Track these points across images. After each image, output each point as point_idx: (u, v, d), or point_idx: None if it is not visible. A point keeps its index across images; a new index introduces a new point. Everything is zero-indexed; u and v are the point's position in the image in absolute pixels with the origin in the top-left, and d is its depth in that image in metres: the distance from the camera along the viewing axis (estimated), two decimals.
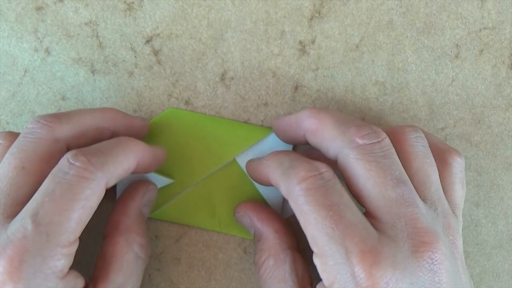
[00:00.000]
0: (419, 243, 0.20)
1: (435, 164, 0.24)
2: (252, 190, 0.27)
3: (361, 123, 0.23)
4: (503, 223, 0.29)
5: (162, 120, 0.28)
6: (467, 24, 0.29)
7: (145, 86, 0.28)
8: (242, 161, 0.27)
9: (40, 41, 0.28)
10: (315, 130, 0.24)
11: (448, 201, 0.23)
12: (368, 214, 0.22)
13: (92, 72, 0.28)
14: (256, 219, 0.26)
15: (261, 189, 0.27)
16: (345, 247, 0.20)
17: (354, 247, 0.20)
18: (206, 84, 0.28)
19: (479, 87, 0.29)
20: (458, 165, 0.24)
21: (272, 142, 0.27)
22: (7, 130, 0.28)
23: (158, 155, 0.25)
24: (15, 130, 0.28)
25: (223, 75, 0.28)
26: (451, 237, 0.22)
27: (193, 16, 0.28)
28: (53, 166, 0.22)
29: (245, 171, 0.27)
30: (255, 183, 0.27)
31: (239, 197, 0.27)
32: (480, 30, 0.29)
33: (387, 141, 0.23)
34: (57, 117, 0.23)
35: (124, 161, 0.23)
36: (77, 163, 0.21)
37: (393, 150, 0.23)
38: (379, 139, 0.22)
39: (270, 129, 0.28)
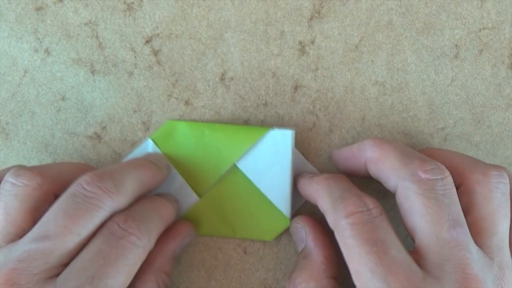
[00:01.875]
0: None
1: (508, 214, 0.23)
2: (258, 194, 0.27)
3: (425, 157, 0.23)
4: None
5: (162, 133, 0.28)
6: (466, 24, 0.29)
7: (145, 86, 0.28)
8: (243, 165, 0.27)
9: (40, 42, 0.28)
10: (377, 159, 0.24)
11: None
12: (417, 251, 0.22)
13: (92, 72, 0.28)
14: (312, 237, 0.25)
15: (268, 192, 0.27)
16: (388, 284, 0.20)
17: (397, 285, 0.20)
18: (206, 84, 0.28)
19: (479, 87, 0.29)
20: None
21: (270, 142, 0.27)
22: (6, 130, 0.28)
23: (175, 215, 0.26)
24: (15, 130, 0.28)
25: (223, 75, 0.28)
26: None
27: (193, 16, 0.28)
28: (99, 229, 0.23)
29: (247, 175, 0.27)
30: (261, 186, 0.27)
31: (247, 201, 0.27)
32: (480, 30, 0.29)
33: (450, 179, 0.22)
34: (115, 185, 0.23)
35: (162, 228, 0.24)
36: (129, 230, 0.22)
37: (454, 190, 0.22)
38: (442, 176, 0.22)
39: (265, 127, 0.28)
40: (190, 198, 0.27)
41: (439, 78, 0.29)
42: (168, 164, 0.27)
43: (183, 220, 0.27)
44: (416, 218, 0.22)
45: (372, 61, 0.28)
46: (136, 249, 0.22)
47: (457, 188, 0.23)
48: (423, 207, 0.22)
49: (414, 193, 0.22)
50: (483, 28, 0.29)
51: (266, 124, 0.28)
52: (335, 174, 0.25)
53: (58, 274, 0.21)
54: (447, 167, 0.23)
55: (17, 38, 0.28)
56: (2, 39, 0.28)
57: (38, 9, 0.28)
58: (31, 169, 0.24)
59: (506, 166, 0.29)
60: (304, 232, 0.26)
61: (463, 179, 0.24)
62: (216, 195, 0.27)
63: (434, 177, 0.22)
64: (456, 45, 0.29)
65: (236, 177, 0.27)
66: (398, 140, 0.28)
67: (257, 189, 0.27)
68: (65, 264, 0.22)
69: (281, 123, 0.28)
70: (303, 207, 0.28)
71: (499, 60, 0.29)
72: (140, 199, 0.25)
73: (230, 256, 0.28)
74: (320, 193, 0.24)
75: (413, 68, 0.28)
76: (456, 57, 0.29)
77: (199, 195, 0.27)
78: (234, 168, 0.27)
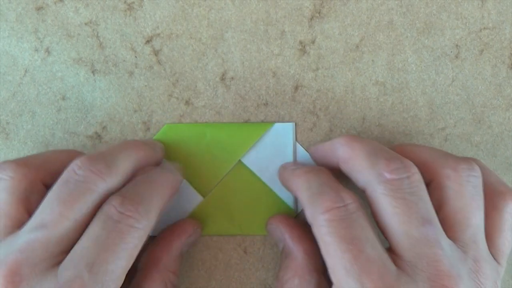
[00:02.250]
0: (439, 286, 0.20)
1: (481, 207, 0.23)
2: (264, 188, 0.28)
3: (392, 156, 0.23)
4: None
5: (161, 137, 0.28)
6: (467, 24, 0.29)
7: (145, 86, 0.28)
8: (248, 161, 0.28)
9: (41, 41, 0.28)
10: (348, 159, 0.24)
11: (491, 246, 0.23)
12: (391, 249, 0.22)
13: (92, 72, 0.28)
14: (288, 235, 0.25)
15: (272, 185, 0.27)
16: (361, 283, 0.20)
17: (371, 284, 0.20)
18: (206, 84, 0.28)
19: (479, 87, 0.29)
20: (510, 210, 0.24)
21: (272, 135, 0.28)
22: (7, 130, 0.28)
23: (178, 185, 0.26)
24: (15, 130, 0.28)
25: (223, 75, 0.28)
26: (477, 282, 0.22)
27: (193, 16, 0.28)
28: (96, 212, 0.22)
29: (253, 170, 0.27)
30: (265, 179, 0.27)
31: (253, 197, 0.28)
32: (480, 30, 0.29)
33: (417, 176, 0.22)
34: (107, 166, 0.23)
35: (162, 204, 0.24)
36: (127, 213, 0.22)
37: (423, 186, 0.22)
38: (408, 174, 0.22)
39: (267, 124, 0.28)
40: (194, 198, 0.27)
41: (439, 78, 0.29)
42: (161, 146, 0.27)
43: (188, 218, 0.27)
44: (386, 218, 0.22)
45: (372, 61, 0.28)
46: (135, 232, 0.22)
47: (428, 184, 0.23)
48: (390, 207, 0.22)
49: (381, 195, 0.22)
50: (484, 28, 0.29)
51: None
52: (316, 167, 0.25)
53: (59, 262, 0.21)
54: (417, 163, 0.23)
55: (17, 38, 0.28)
56: (2, 39, 0.28)
57: (39, 8, 0.28)
58: (15, 161, 0.24)
59: (506, 167, 0.29)
60: (279, 232, 0.26)
61: (434, 175, 0.23)
62: (220, 193, 0.28)
63: (399, 176, 0.22)
64: (457, 45, 0.29)
65: (239, 173, 0.28)
66: (398, 140, 0.28)
67: (261, 183, 0.28)
68: (66, 251, 0.22)
69: None
70: None
71: (499, 60, 0.29)
72: (137, 174, 0.25)
73: (230, 256, 0.28)
74: (300, 186, 0.24)
75: (414, 68, 0.28)
76: (456, 57, 0.29)
77: (203, 195, 0.28)
78: (238, 164, 0.28)
